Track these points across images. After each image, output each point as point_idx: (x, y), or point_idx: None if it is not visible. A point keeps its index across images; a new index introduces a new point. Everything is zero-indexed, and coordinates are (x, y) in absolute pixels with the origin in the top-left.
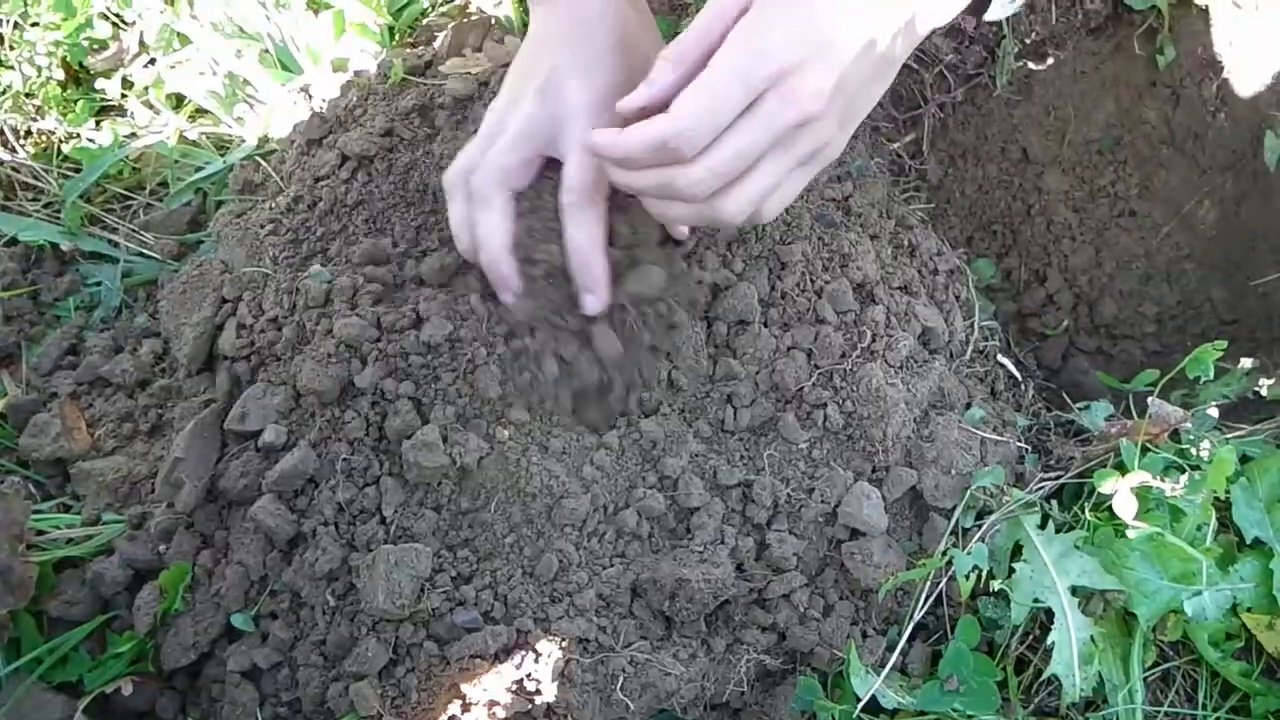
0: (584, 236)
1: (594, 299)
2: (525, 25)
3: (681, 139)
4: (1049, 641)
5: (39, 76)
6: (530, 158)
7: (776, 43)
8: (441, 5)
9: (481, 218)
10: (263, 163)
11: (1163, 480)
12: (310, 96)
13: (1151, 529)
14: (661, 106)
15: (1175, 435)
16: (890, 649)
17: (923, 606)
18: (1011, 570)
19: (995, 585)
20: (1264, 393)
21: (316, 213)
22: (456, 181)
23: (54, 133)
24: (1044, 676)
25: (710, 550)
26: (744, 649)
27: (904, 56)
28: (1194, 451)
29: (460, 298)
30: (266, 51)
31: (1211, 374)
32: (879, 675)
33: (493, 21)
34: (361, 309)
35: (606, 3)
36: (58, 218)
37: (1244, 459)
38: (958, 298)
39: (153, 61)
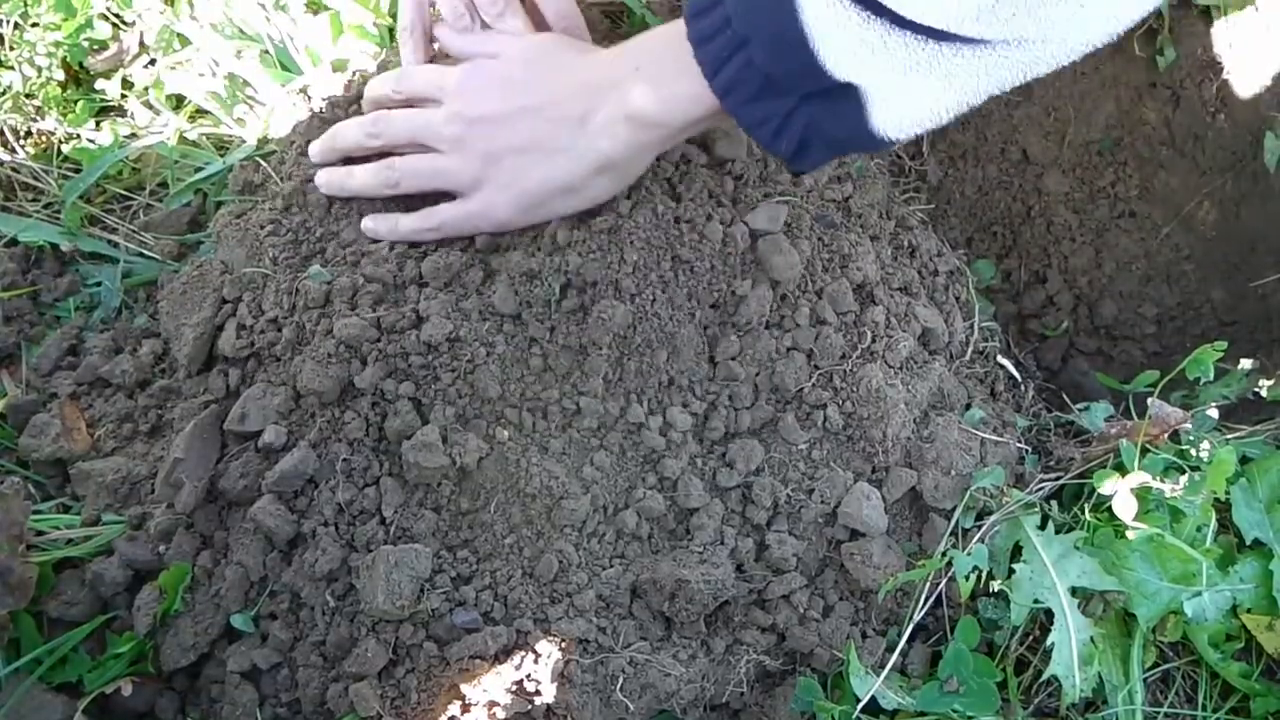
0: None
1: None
2: None
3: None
4: (1049, 642)
5: (39, 77)
6: None
7: (468, 74)
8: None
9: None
10: (263, 163)
11: (1162, 481)
12: (310, 97)
13: (1151, 530)
14: None
15: (1175, 436)
16: (890, 650)
17: (922, 607)
18: (1011, 571)
19: (995, 586)
20: (1264, 394)
21: (316, 214)
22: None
23: (54, 133)
24: (1044, 677)
25: (710, 551)
26: (744, 649)
27: (568, 156)
28: (1194, 452)
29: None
30: (266, 52)
31: (1211, 375)
32: (879, 676)
33: None
34: (361, 309)
35: None
36: (58, 218)
37: (1244, 460)
38: (958, 299)
39: (153, 62)
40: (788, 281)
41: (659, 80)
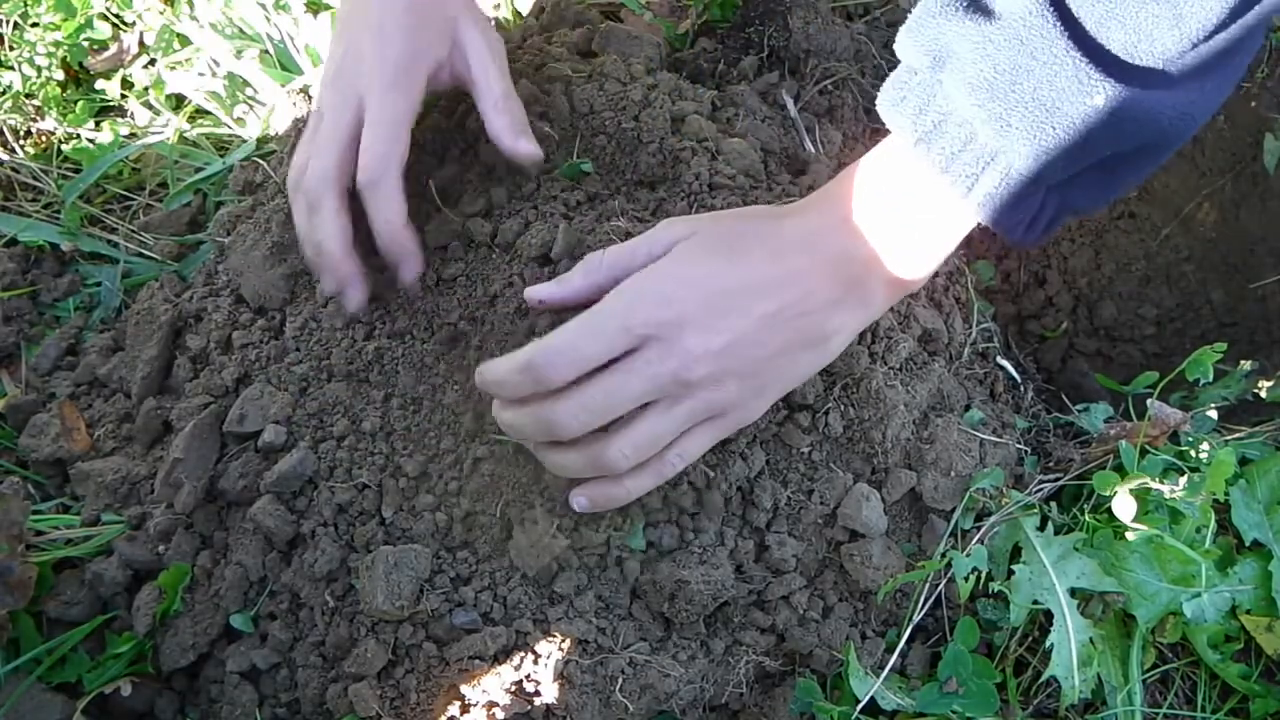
0: (387, 210)
1: (408, 268)
2: (523, 26)
3: (544, 361)
4: (1048, 643)
5: (39, 77)
6: (346, 153)
7: (664, 292)
8: None
9: (315, 222)
10: (262, 163)
11: (1162, 482)
12: (310, 97)
13: (1151, 531)
14: (571, 305)
15: (1174, 437)
16: (889, 650)
17: (922, 608)
18: (1011, 572)
19: (994, 587)
20: (1263, 395)
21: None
22: (291, 186)
23: (54, 133)
24: (1043, 678)
25: (709, 552)
26: (743, 650)
27: (842, 334)
28: (1193, 453)
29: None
30: (266, 52)
31: (1210, 376)
32: (878, 677)
33: (491, 22)
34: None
35: None
36: (57, 218)
37: (1243, 461)
38: (957, 300)
39: (153, 62)
40: None
41: (908, 230)
